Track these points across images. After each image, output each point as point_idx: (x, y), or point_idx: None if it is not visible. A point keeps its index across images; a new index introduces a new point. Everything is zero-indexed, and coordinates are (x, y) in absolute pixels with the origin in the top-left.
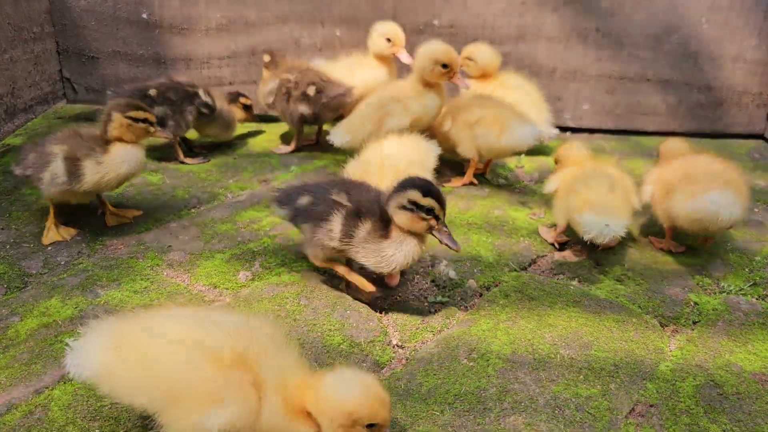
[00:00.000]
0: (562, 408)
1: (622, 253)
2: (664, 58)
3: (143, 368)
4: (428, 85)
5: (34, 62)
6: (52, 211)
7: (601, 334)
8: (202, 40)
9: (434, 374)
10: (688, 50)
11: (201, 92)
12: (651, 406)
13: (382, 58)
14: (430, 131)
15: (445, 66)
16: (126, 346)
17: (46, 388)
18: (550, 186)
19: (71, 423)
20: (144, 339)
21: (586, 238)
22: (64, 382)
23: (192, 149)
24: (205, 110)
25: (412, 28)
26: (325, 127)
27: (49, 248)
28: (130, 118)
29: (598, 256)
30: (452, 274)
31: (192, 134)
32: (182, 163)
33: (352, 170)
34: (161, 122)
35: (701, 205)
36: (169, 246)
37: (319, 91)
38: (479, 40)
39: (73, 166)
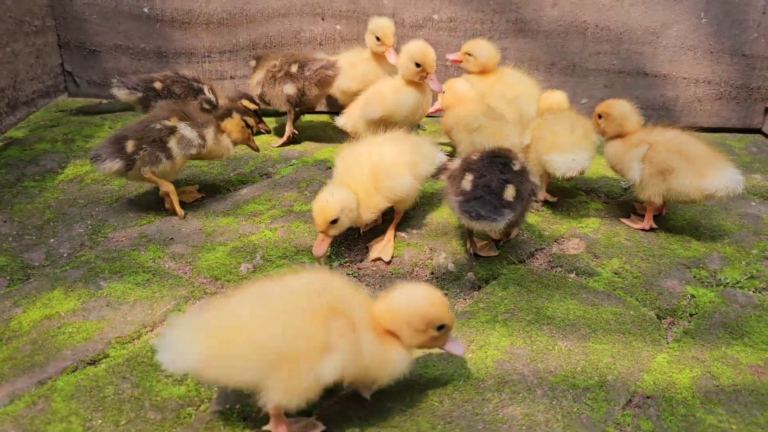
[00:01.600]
0: (559, 399)
1: (619, 247)
2: (662, 53)
3: (245, 345)
4: (410, 83)
5: (35, 55)
6: (168, 186)
7: (598, 326)
8: (203, 34)
9: (433, 365)
10: (686, 44)
11: (206, 89)
12: (648, 397)
13: (377, 55)
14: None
15: (417, 65)
16: (220, 330)
17: (49, 379)
18: (525, 139)
19: (74, 414)
20: (237, 318)
21: (558, 175)
22: (67, 373)
23: None
24: (207, 106)
25: (412, 23)
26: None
27: (52, 240)
28: (246, 123)
29: (596, 250)
30: (451, 266)
31: None
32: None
33: (340, 163)
34: None
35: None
36: (171, 238)
37: (301, 66)
38: (478, 34)
39: (199, 132)
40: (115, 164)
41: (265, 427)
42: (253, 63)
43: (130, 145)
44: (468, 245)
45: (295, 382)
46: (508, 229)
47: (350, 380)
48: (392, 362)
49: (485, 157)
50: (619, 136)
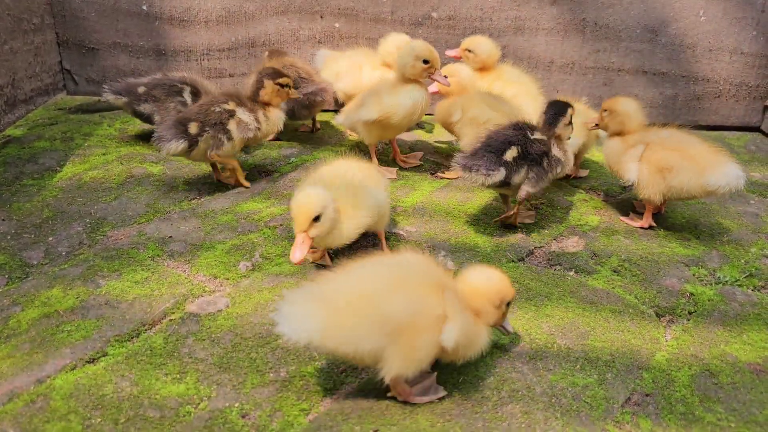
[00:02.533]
0: (558, 397)
1: (618, 245)
2: (661, 51)
3: (367, 316)
4: (409, 81)
5: (34, 53)
6: (233, 162)
7: (597, 324)
8: (201, 31)
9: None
10: (685, 42)
11: (186, 92)
12: (647, 395)
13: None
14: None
15: (426, 62)
16: (341, 302)
17: (48, 377)
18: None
19: (73, 412)
20: (358, 291)
21: None
22: (66, 372)
23: None
24: (180, 108)
25: (411, 21)
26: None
27: (50, 239)
28: (280, 84)
29: (595, 248)
30: (450, 264)
31: None
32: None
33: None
34: (149, 119)
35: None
36: (170, 237)
37: (294, 87)
38: (477, 32)
39: (254, 116)
40: (180, 144)
41: (389, 394)
42: (266, 54)
43: (193, 127)
44: (500, 217)
45: (415, 351)
46: (520, 193)
47: (451, 352)
48: (482, 336)
49: (507, 125)
50: (620, 133)
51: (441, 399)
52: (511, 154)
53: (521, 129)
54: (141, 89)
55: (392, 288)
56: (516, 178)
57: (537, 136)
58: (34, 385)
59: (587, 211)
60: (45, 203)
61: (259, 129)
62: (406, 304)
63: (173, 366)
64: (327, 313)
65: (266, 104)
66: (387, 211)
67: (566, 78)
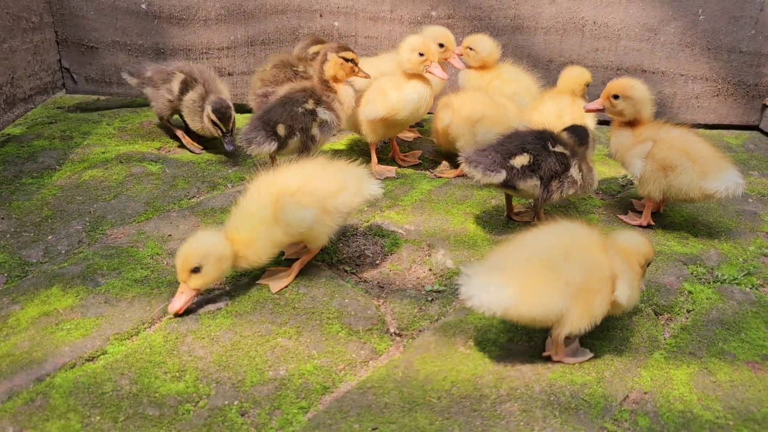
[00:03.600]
0: (557, 395)
1: None
2: (659, 50)
3: (554, 282)
4: (413, 77)
5: (33, 52)
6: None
7: None
8: (200, 30)
9: (431, 361)
10: (684, 41)
11: (174, 81)
12: (645, 393)
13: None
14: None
15: (421, 54)
16: (527, 272)
17: (47, 375)
18: None
19: (72, 410)
20: (539, 260)
21: None
22: (65, 370)
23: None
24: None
25: (410, 19)
26: None
27: (50, 237)
28: (344, 58)
29: None
30: (449, 263)
31: None
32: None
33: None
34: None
35: None
36: (170, 235)
37: None
38: (476, 30)
39: (333, 112)
40: (272, 147)
41: (545, 353)
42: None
43: (281, 129)
44: (507, 211)
45: (593, 309)
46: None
47: (625, 306)
48: (638, 291)
49: (532, 131)
50: (631, 124)
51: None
52: (521, 160)
53: (543, 138)
54: (148, 73)
55: (567, 254)
56: (522, 185)
57: (558, 149)
58: (33, 383)
59: (585, 209)
60: (44, 202)
61: (338, 121)
62: (582, 268)
63: (173, 364)
64: (517, 283)
65: (335, 80)
66: (314, 230)
67: None
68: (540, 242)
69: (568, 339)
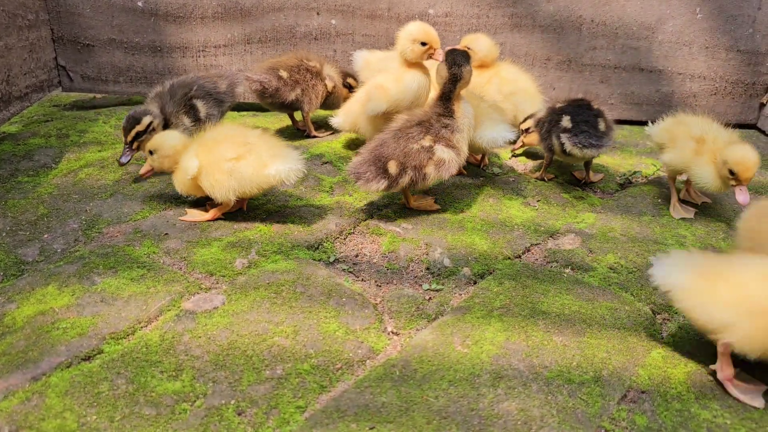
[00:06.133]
0: (555, 394)
1: (615, 242)
2: (657, 48)
3: (729, 291)
4: (411, 65)
5: (29, 50)
6: (411, 201)
7: (594, 321)
8: (197, 28)
9: (429, 361)
10: (682, 40)
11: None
12: (643, 392)
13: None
14: None
15: (423, 44)
16: (710, 274)
17: (44, 375)
18: None
19: (68, 410)
20: (728, 271)
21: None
22: (62, 369)
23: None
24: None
25: (407, 17)
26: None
27: (46, 236)
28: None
29: (592, 245)
30: (447, 261)
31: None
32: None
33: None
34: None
35: None
36: (166, 234)
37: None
38: (474, 29)
39: (456, 150)
40: (381, 185)
41: (711, 366)
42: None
43: (392, 167)
44: (540, 173)
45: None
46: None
47: None
48: None
49: (571, 102)
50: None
51: (753, 408)
52: (602, 125)
53: (586, 103)
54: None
55: (756, 275)
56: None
57: (596, 105)
58: (29, 382)
59: (584, 208)
60: (40, 200)
61: (459, 158)
62: (763, 289)
63: (169, 363)
64: (693, 280)
65: (458, 99)
66: (212, 187)
67: (563, 75)
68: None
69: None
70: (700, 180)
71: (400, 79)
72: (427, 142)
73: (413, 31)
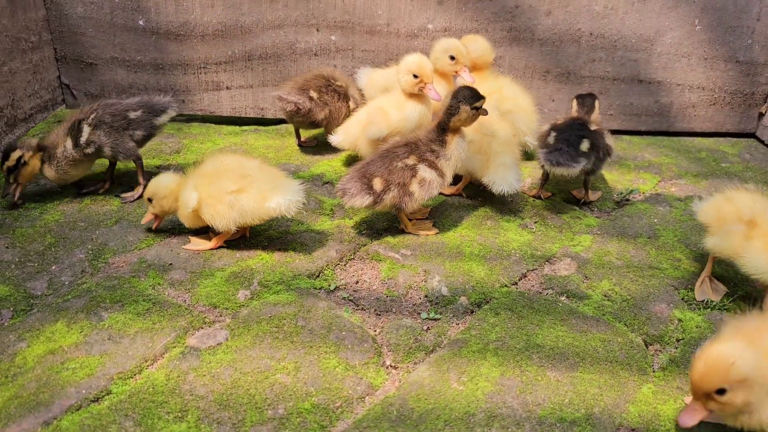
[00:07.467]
0: None
1: (610, 267)
2: (656, 60)
3: None
4: (410, 96)
5: (33, 71)
6: (407, 226)
7: (587, 354)
8: (198, 45)
9: (425, 399)
10: (681, 51)
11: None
12: (632, 430)
13: (443, 74)
14: None
15: (415, 76)
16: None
17: (54, 418)
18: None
19: None
20: None
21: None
22: (72, 412)
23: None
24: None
25: (407, 33)
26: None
27: (53, 267)
28: (476, 107)
29: (587, 271)
30: (444, 290)
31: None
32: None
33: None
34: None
35: None
36: (170, 264)
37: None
38: None
39: (438, 171)
40: (365, 201)
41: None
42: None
43: (377, 184)
44: (536, 191)
45: None
46: (586, 176)
47: None
48: None
49: (568, 121)
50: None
51: None
52: (585, 145)
53: (582, 123)
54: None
55: None
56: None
57: (594, 127)
58: (41, 426)
59: (580, 230)
60: (47, 228)
61: (443, 184)
62: None
63: (175, 404)
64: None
65: (454, 131)
66: (212, 217)
67: (562, 87)
68: None
69: None
70: (755, 270)
71: (402, 107)
72: (411, 161)
73: (409, 62)
